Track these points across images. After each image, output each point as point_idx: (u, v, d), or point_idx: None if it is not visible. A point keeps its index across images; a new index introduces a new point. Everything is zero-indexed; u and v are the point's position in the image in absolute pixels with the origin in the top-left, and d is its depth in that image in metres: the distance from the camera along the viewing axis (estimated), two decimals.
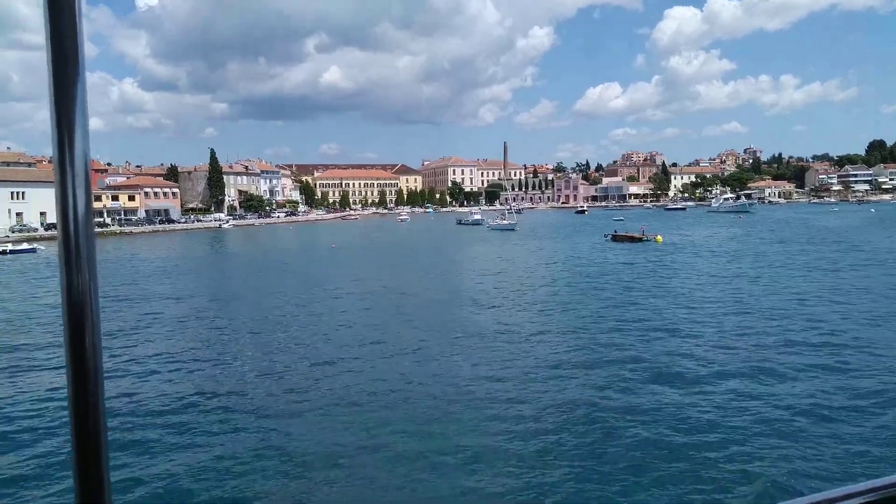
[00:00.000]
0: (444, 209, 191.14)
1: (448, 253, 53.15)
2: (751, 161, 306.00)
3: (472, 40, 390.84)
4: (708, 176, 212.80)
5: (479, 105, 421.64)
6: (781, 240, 55.40)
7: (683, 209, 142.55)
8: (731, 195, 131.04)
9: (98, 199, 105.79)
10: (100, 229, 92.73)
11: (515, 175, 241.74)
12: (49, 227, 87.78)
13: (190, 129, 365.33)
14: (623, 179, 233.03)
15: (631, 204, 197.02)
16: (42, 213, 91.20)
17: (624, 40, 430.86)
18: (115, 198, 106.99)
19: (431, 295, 28.51)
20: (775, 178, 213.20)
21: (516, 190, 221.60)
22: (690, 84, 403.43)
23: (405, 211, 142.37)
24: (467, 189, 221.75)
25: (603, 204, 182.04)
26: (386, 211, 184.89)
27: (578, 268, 38.38)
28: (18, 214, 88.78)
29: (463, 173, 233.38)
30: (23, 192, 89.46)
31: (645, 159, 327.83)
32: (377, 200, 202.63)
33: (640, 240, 56.87)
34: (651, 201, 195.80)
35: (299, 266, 44.72)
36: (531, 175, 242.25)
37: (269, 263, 46.86)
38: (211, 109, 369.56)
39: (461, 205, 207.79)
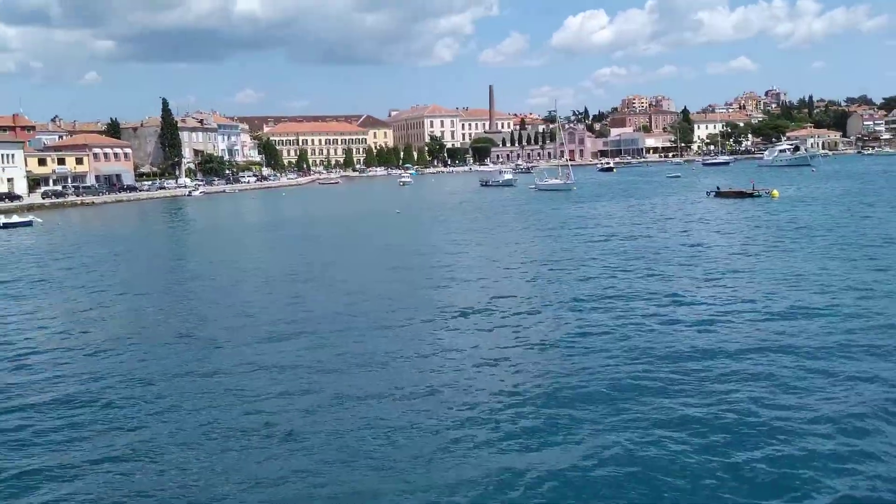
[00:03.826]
0: (429, 171, 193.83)
1: (549, 216, 57.04)
2: (775, 105, 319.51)
3: None
4: (741, 124, 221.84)
5: (435, 40, 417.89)
6: None
7: (727, 163, 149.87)
8: (788, 146, 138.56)
9: (43, 162, 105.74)
10: (57, 199, 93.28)
11: (504, 126, 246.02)
12: (2, 197, 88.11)
13: (65, 74, 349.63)
14: (634, 130, 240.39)
15: (651, 159, 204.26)
16: None
17: None
18: (61, 161, 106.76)
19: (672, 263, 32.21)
20: (815, 125, 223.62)
21: (508, 145, 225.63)
22: (691, 11, 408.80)
23: (406, 174, 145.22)
24: (448, 144, 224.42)
25: (617, 160, 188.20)
26: (355, 173, 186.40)
27: (761, 229, 42.07)
28: None
29: (443, 125, 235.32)
30: None
31: (650, 105, 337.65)
32: (342, 160, 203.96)
33: (750, 195, 62.08)
34: (673, 155, 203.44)
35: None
36: (518, 126, 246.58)
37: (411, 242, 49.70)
38: (93, 48, 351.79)
39: (445, 164, 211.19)
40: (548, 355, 16.87)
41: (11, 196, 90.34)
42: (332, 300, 24.44)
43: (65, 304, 26.41)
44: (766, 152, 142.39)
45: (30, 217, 63.99)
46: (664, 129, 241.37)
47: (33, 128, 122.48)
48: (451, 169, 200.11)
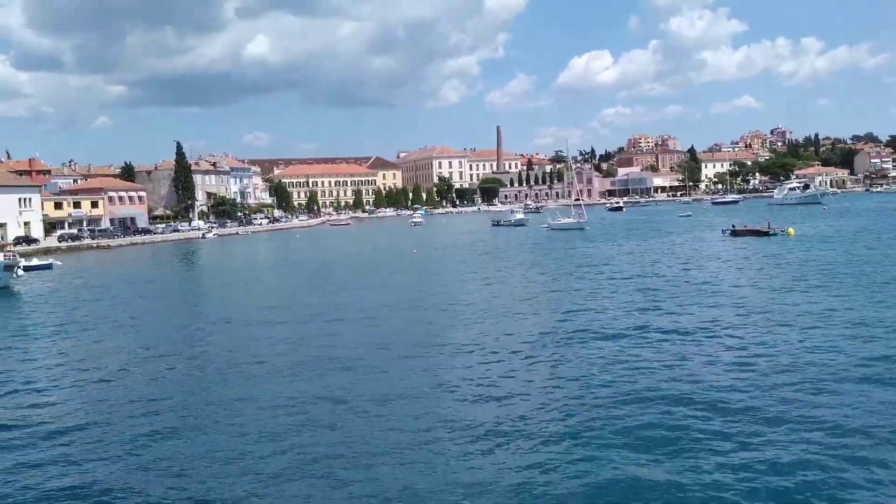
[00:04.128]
0: (438, 211, 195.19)
1: (566, 255, 57.47)
2: (780, 143, 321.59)
3: (431, 1, 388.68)
4: (748, 163, 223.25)
5: (442, 81, 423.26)
6: None
7: (736, 202, 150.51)
8: (797, 184, 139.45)
9: (59, 206, 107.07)
10: (73, 243, 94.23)
11: (511, 167, 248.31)
12: (19, 240, 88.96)
13: (78, 119, 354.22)
14: (642, 169, 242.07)
15: (660, 198, 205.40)
16: (1, 225, 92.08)
17: None
18: (77, 204, 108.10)
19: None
20: (823, 163, 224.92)
21: (516, 185, 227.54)
22: (695, 50, 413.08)
23: (417, 214, 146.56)
24: (457, 185, 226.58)
25: (625, 199, 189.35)
26: (365, 214, 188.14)
27: (786, 267, 42.63)
28: None
29: (451, 166, 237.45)
30: None
31: (657, 144, 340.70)
32: (352, 201, 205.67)
33: (766, 233, 62.40)
34: (681, 194, 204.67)
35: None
36: (526, 167, 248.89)
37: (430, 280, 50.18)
38: (104, 93, 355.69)
39: (453, 205, 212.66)
40: (584, 393, 17.06)
41: (29, 239, 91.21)
42: (365, 337, 24.75)
43: (96, 345, 26.69)
44: (776, 191, 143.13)
45: (49, 260, 64.52)
46: (671, 168, 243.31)
47: (49, 172, 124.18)
48: (460, 209, 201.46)
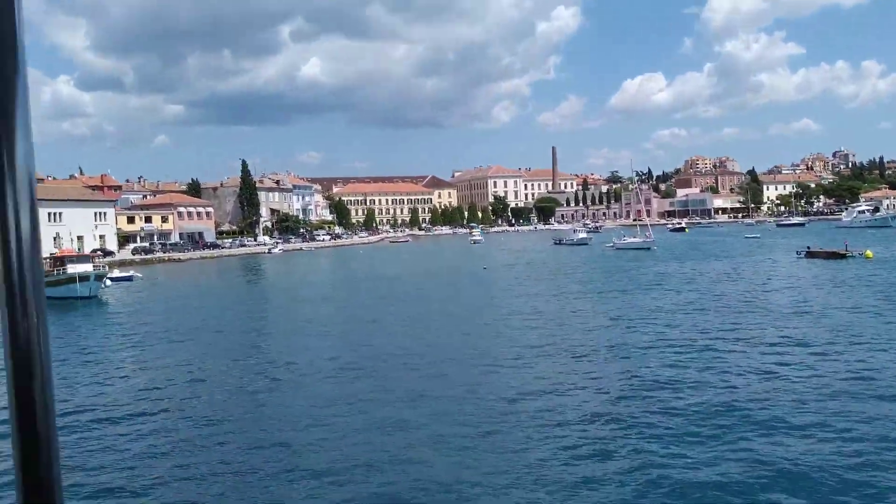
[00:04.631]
0: (493, 230, 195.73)
1: (639, 274, 57.35)
2: (844, 166, 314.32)
3: (483, 25, 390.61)
4: (811, 185, 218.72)
5: (492, 103, 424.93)
6: None
7: (802, 225, 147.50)
8: (867, 207, 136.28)
9: (131, 220, 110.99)
10: (146, 255, 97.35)
11: (567, 187, 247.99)
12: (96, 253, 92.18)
13: (138, 137, 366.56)
14: (701, 190, 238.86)
15: (721, 219, 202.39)
16: (79, 238, 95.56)
17: (667, 21, 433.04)
18: (148, 219, 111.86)
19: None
20: (889, 186, 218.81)
21: (572, 205, 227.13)
22: (751, 73, 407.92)
23: (477, 232, 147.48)
24: (512, 204, 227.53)
25: (686, 220, 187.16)
26: (421, 232, 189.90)
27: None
28: (55, 238, 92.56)
29: (506, 185, 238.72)
30: (59, 213, 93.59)
31: (714, 166, 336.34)
32: (408, 219, 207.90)
33: (843, 255, 61.28)
34: (743, 215, 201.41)
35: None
36: (581, 186, 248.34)
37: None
38: (163, 112, 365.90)
39: (510, 224, 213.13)
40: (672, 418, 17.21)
41: (105, 252, 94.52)
42: (456, 350, 25.26)
43: (181, 350, 27.81)
44: (844, 214, 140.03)
45: (131, 272, 66.90)
46: (731, 189, 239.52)
47: (120, 187, 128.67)
48: (517, 228, 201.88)
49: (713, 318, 31.18)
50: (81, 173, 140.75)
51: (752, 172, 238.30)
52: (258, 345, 29.39)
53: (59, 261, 51.65)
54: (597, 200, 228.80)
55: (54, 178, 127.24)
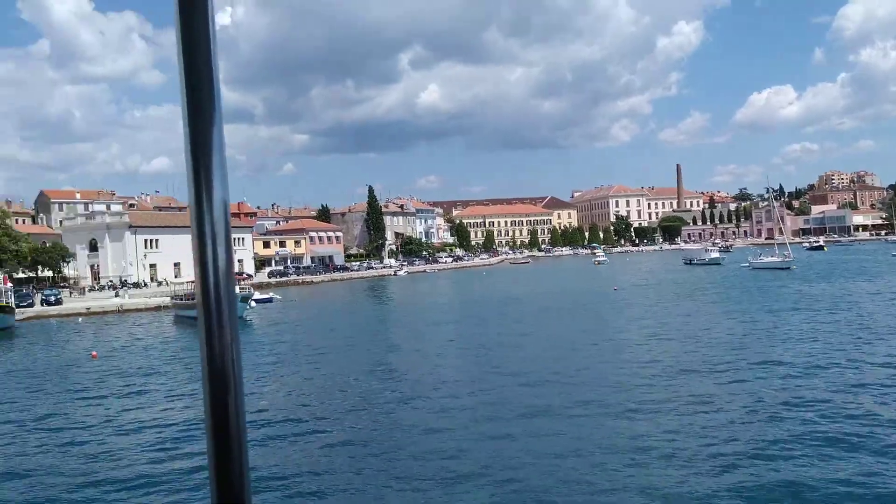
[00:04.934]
0: (616, 250, 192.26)
1: (783, 296, 55.00)
2: None
3: (601, 44, 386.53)
4: None
5: (612, 122, 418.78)
6: None
7: None
8: None
9: (267, 245, 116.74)
10: (281, 278, 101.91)
11: (692, 205, 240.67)
12: (247, 275, 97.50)
13: (266, 166, 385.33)
14: (838, 207, 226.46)
15: (862, 237, 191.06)
16: (176, 265, 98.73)
17: (795, 32, 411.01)
18: (282, 244, 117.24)
19: None
20: None
21: (699, 223, 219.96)
22: (888, 83, 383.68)
23: (601, 253, 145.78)
24: (635, 223, 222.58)
25: (824, 238, 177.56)
26: (541, 253, 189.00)
27: None
28: (152, 266, 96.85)
29: (628, 205, 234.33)
30: (156, 240, 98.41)
31: (852, 181, 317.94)
32: (528, 240, 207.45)
33: None
34: (886, 232, 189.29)
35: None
36: (707, 204, 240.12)
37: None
38: (290, 142, 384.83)
39: (633, 244, 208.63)
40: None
41: (244, 275, 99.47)
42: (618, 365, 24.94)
43: (324, 364, 28.76)
44: None
45: (270, 294, 70.02)
46: (871, 205, 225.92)
47: (255, 214, 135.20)
48: (641, 248, 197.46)
49: (873, 339, 29.35)
50: None
51: (894, 187, 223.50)
52: (407, 361, 30.04)
53: None
54: (725, 219, 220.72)
55: None
